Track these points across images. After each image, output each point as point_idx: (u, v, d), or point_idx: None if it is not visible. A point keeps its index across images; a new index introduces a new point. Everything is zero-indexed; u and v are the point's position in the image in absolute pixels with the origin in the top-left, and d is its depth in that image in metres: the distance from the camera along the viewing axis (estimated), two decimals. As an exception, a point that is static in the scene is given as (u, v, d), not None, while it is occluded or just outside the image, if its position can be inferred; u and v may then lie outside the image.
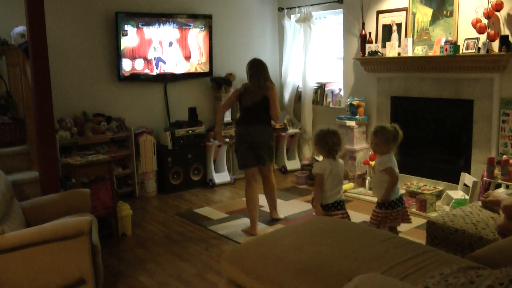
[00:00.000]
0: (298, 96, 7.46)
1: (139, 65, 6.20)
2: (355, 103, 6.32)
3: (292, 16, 7.37)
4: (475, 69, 5.13)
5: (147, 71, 6.27)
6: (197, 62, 6.70)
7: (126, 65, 6.08)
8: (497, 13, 4.90)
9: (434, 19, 5.50)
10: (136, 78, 6.26)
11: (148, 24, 6.18)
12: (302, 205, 5.63)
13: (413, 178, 5.90)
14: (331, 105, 7.01)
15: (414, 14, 5.69)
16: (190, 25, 6.55)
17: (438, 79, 5.52)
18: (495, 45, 4.93)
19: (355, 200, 5.73)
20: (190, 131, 6.45)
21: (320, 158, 4.21)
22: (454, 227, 3.38)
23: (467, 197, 4.98)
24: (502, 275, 1.67)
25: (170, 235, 4.85)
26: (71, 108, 5.80)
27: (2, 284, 2.85)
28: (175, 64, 6.50)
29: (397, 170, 3.91)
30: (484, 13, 4.90)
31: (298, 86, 7.48)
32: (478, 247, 3.02)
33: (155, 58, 6.30)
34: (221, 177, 6.70)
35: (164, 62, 6.39)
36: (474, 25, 4.99)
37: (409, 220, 4.05)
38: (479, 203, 3.80)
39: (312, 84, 7.18)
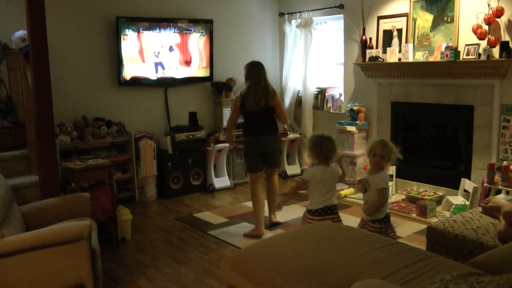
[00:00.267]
0: (298, 101, 7.47)
1: (140, 70, 6.21)
2: (355, 108, 6.32)
3: (293, 21, 7.38)
4: (476, 75, 5.14)
5: (147, 75, 6.27)
6: (198, 66, 6.71)
7: (127, 69, 6.09)
8: (498, 19, 4.91)
9: (435, 25, 5.51)
10: (136, 82, 6.26)
11: (148, 28, 6.19)
12: (302, 210, 5.59)
13: (413, 183, 5.90)
14: (331, 110, 7.01)
15: (414, 20, 5.70)
16: (190, 30, 6.56)
17: (438, 85, 5.52)
18: (496, 51, 4.94)
19: (355, 205, 5.72)
20: (190, 136, 6.44)
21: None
22: (454, 233, 3.37)
23: (467, 203, 4.98)
24: (503, 281, 1.67)
25: (170, 240, 4.84)
26: (71, 112, 5.80)
27: (1, 289, 2.84)
28: (176, 69, 6.50)
29: None
30: (484, 19, 4.90)
31: (298, 91, 7.48)
32: (479, 253, 3.02)
33: (155, 62, 6.31)
34: (221, 182, 6.69)
35: (165, 67, 6.40)
36: (474, 31, 5.00)
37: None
38: (480, 209, 3.80)
39: (312, 89, 7.19)
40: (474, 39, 5.06)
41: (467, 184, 5.16)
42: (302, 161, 7.46)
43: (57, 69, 5.49)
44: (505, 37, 4.92)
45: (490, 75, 5.02)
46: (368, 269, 2.46)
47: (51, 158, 4.16)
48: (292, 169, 7.28)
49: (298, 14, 7.24)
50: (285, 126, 7.26)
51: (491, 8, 4.87)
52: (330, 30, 7.31)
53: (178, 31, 6.45)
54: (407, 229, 4.86)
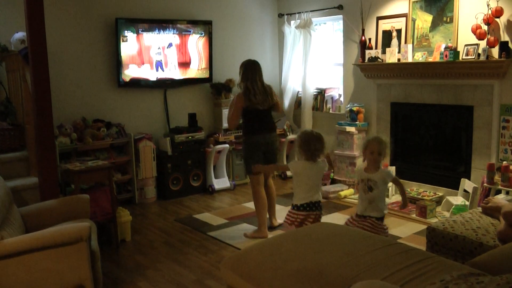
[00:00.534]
0: (298, 102, 7.47)
1: (139, 71, 6.21)
2: (355, 109, 6.32)
3: (292, 22, 7.39)
4: (475, 76, 5.14)
5: (147, 77, 6.27)
6: (197, 68, 6.71)
7: (126, 71, 6.09)
8: (497, 20, 4.91)
9: (434, 25, 5.51)
10: (136, 84, 6.26)
11: (148, 30, 6.19)
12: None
13: (413, 184, 5.90)
14: (331, 111, 7.01)
15: (414, 20, 5.70)
16: (190, 31, 6.56)
17: (438, 85, 5.53)
18: (495, 52, 4.94)
19: (354, 206, 5.70)
20: (189, 137, 6.44)
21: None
22: (454, 233, 3.37)
23: (467, 203, 4.97)
24: (503, 281, 1.67)
25: (169, 241, 4.83)
26: (70, 114, 5.80)
27: (0, 291, 2.84)
28: (175, 70, 6.50)
29: None
30: (484, 20, 4.91)
31: (298, 92, 7.48)
32: (478, 254, 3.01)
33: (155, 63, 6.31)
34: (221, 183, 6.69)
35: (164, 68, 6.39)
36: (474, 31, 5.00)
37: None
38: (479, 209, 3.79)
39: (312, 90, 7.19)
40: (474, 40, 5.06)
41: (467, 185, 5.16)
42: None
43: (56, 70, 5.49)
44: (504, 37, 4.92)
45: (489, 76, 5.02)
46: (368, 270, 2.45)
47: (50, 160, 4.16)
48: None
49: (297, 15, 7.24)
50: (285, 127, 7.27)
51: (490, 8, 4.87)
52: (329, 31, 7.31)
53: (177, 32, 6.45)
54: (407, 230, 4.86)
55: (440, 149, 5.77)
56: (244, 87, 4.80)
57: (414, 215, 5.23)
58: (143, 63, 6.22)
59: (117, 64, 6.04)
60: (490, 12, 4.87)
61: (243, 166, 5.08)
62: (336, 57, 7.13)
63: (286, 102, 7.49)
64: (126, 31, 6.02)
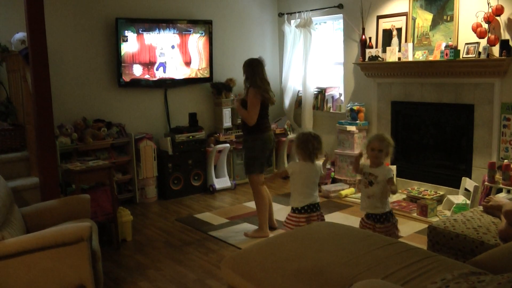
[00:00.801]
0: (298, 101, 7.47)
1: (139, 71, 6.21)
2: (355, 108, 6.32)
3: (292, 21, 7.38)
4: (476, 74, 5.13)
5: (147, 76, 6.27)
6: (197, 67, 6.71)
7: (127, 70, 6.09)
8: (498, 18, 4.90)
9: (434, 24, 5.50)
10: (136, 83, 6.26)
11: (148, 29, 6.19)
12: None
13: (414, 183, 5.89)
14: (331, 110, 7.01)
15: (414, 19, 5.69)
16: (190, 31, 6.56)
17: (438, 84, 5.52)
18: (496, 50, 4.93)
19: (355, 205, 5.71)
20: (190, 137, 6.44)
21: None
22: (455, 232, 3.37)
23: (468, 202, 4.97)
24: (504, 280, 1.67)
25: (170, 240, 4.83)
26: (71, 114, 5.80)
27: (1, 291, 2.84)
28: (175, 70, 6.50)
29: None
30: (484, 18, 4.90)
31: (298, 91, 7.48)
32: (480, 252, 3.01)
33: (155, 63, 6.31)
34: (222, 182, 6.69)
35: (165, 68, 6.40)
36: (474, 29, 4.99)
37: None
38: (480, 208, 3.79)
39: (312, 89, 7.18)
40: (474, 38, 5.05)
41: (467, 183, 5.15)
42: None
43: (57, 70, 5.50)
44: (505, 35, 4.91)
45: (490, 74, 5.01)
46: (368, 269, 2.45)
47: (51, 160, 4.16)
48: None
49: (297, 14, 7.24)
50: (285, 126, 7.27)
51: (490, 7, 4.86)
52: (329, 30, 7.31)
53: (178, 32, 6.45)
54: (408, 229, 4.85)
55: (440, 148, 5.76)
56: (255, 82, 4.71)
57: (415, 214, 5.22)
58: (143, 63, 6.21)
59: (118, 64, 6.04)
60: (490, 10, 4.86)
61: (245, 165, 4.88)
62: (336, 56, 7.12)
63: (287, 101, 7.49)
64: (126, 31, 6.01)
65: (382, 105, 6.21)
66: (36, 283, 2.92)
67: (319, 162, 4.09)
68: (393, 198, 5.73)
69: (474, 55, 5.05)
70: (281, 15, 7.64)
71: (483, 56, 4.95)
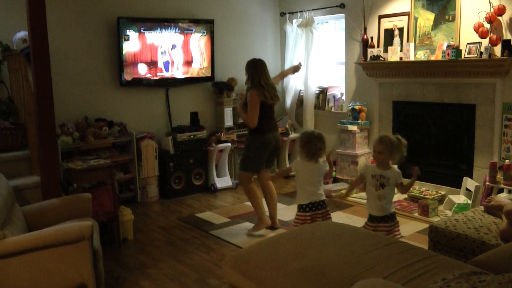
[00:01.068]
0: (300, 101, 7.47)
1: (141, 70, 6.21)
2: (357, 107, 6.32)
3: (294, 21, 7.38)
4: (477, 74, 5.13)
5: (149, 76, 6.28)
6: (199, 67, 6.71)
7: (128, 70, 6.09)
8: (499, 18, 4.90)
9: (436, 24, 5.50)
10: (138, 83, 6.26)
11: (150, 29, 6.19)
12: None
13: (415, 183, 5.87)
14: (333, 110, 7.01)
15: (416, 19, 5.69)
16: (192, 30, 6.56)
17: (440, 83, 5.52)
18: (497, 50, 4.93)
19: (356, 205, 5.71)
20: (192, 136, 6.44)
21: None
22: (456, 232, 3.37)
23: (469, 202, 4.97)
24: (505, 280, 1.67)
25: (171, 240, 4.84)
26: (72, 113, 5.80)
27: (2, 289, 2.85)
28: (177, 69, 6.50)
29: None
30: (486, 18, 4.90)
31: (300, 91, 7.48)
32: (481, 252, 3.01)
33: (156, 62, 6.31)
34: (223, 181, 6.69)
35: (166, 67, 6.40)
36: (476, 29, 4.99)
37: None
38: (482, 208, 3.79)
39: (314, 89, 7.19)
40: (476, 38, 5.05)
41: (469, 183, 5.15)
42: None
43: (58, 70, 5.50)
44: (506, 35, 4.91)
45: (491, 74, 5.01)
46: (369, 269, 2.45)
47: (52, 159, 4.16)
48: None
49: (299, 14, 7.24)
50: (287, 126, 7.27)
51: (492, 7, 4.86)
52: (331, 29, 7.30)
53: (179, 31, 6.46)
54: (409, 229, 4.85)
55: (442, 147, 5.76)
56: (257, 83, 4.74)
57: (416, 214, 5.22)
58: (145, 62, 6.21)
59: (119, 63, 6.05)
60: (492, 10, 4.86)
61: (240, 160, 4.97)
62: (338, 56, 7.12)
63: (288, 101, 7.49)
64: (128, 30, 6.02)
65: (383, 104, 6.21)
66: (37, 282, 2.92)
67: (323, 161, 4.13)
68: (394, 198, 5.72)
69: (475, 55, 5.04)
70: (282, 14, 7.63)
71: (484, 56, 4.94)
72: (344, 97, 6.91)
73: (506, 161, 4.79)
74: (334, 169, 6.53)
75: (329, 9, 6.83)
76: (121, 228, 4.72)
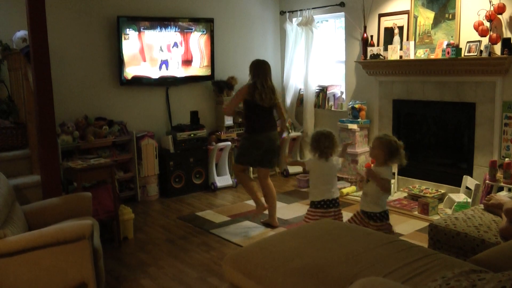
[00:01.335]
0: (300, 99, 7.47)
1: (141, 69, 6.21)
2: (357, 106, 6.32)
3: (294, 19, 7.37)
4: (477, 72, 5.13)
5: (149, 74, 6.27)
6: (199, 65, 6.71)
7: (128, 69, 6.09)
8: (499, 16, 4.90)
9: (436, 22, 5.50)
10: (138, 82, 6.26)
11: (149, 28, 6.19)
12: (304, 208, 5.58)
13: (415, 181, 5.89)
14: (333, 109, 7.01)
15: (416, 17, 5.69)
16: (191, 29, 6.56)
17: (440, 82, 5.52)
18: (497, 48, 4.93)
19: (357, 203, 5.71)
20: (192, 135, 6.44)
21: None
22: (456, 230, 3.37)
23: (469, 200, 4.97)
24: (505, 278, 1.67)
25: (172, 238, 4.84)
26: (73, 112, 5.80)
27: (3, 288, 2.85)
28: (177, 68, 6.50)
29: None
30: (486, 16, 4.89)
31: (300, 89, 7.48)
32: (480, 251, 3.01)
33: (156, 61, 6.31)
34: (223, 180, 6.70)
35: (166, 66, 6.40)
36: (476, 28, 4.99)
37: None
38: (482, 206, 3.79)
39: (314, 87, 7.19)
40: (476, 36, 5.05)
41: (469, 182, 5.15)
42: (303, 159, 7.45)
43: (58, 69, 5.50)
44: (506, 34, 4.91)
45: (491, 72, 5.01)
46: (369, 267, 2.46)
47: (52, 158, 4.16)
48: (293, 168, 7.26)
49: (299, 12, 7.23)
50: (287, 124, 7.26)
51: (492, 5, 4.86)
52: (331, 28, 7.30)
53: (179, 30, 6.45)
54: (409, 227, 4.86)
55: (442, 146, 5.76)
56: (253, 83, 4.81)
57: (416, 212, 5.22)
58: (145, 61, 6.21)
59: (119, 62, 6.05)
60: (492, 8, 4.85)
61: (236, 154, 5.33)
62: (338, 55, 7.12)
63: (288, 99, 7.48)
64: (127, 29, 6.01)
65: (383, 103, 6.21)
66: (38, 281, 2.92)
67: (336, 158, 4.18)
68: (394, 196, 5.74)
69: (475, 54, 5.04)
70: (282, 13, 7.63)
71: (484, 55, 4.94)
72: (344, 96, 6.91)
73: (506, 159, 4.79)
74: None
75: (329, 8, 6.83)
76: (121, 227, 4.72)
